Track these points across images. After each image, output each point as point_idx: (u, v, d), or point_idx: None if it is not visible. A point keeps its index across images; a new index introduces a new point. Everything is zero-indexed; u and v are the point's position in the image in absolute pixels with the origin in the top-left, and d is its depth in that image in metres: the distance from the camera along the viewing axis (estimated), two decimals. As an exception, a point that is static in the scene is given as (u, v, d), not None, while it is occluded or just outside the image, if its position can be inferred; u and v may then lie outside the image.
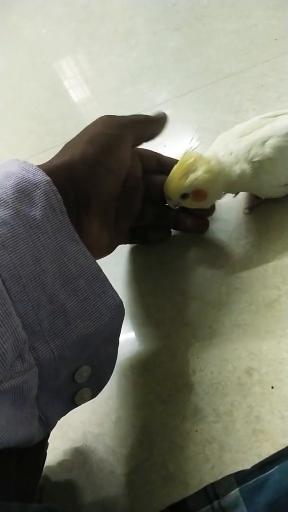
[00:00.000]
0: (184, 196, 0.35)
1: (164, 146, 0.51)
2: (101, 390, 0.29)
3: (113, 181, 0.31)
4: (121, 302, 0.27)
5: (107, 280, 0.27)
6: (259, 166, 0.34)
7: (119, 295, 0.27)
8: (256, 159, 0.34)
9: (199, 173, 0.34)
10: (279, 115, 0.36)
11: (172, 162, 0.37)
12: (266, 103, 0.49)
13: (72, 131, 0.61)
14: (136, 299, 0.39)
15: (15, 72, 0.82)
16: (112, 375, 0.35)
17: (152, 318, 0.38)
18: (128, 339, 0.37)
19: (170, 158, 0.39)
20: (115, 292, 0.27)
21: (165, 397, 0.33)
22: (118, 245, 0.37)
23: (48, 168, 0.27)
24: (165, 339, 0.36)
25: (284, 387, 0.30)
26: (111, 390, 0.35)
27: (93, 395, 0.29)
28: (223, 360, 0.33)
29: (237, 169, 0.35)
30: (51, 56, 0.81)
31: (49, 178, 0.26)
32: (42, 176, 0.26)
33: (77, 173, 0.29)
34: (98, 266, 0.27)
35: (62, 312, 0.25)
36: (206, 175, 0.34)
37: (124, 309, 0.28)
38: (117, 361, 0.36)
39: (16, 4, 1.01)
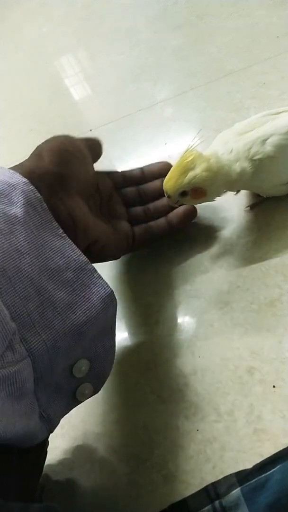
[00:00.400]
0: (183, 193, 0.35)
1: (165, 144, 0.51)
2: (102, 385, 0.29)
3: (83, 164, 0.33)
4: (112, 291, 0.27)
5: (96, 271, 0.27)
6: (260, 165, 0.34)
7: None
8: (257, 157, 0.34)
9: (198, 171, 0.34)
10: (280, 112, 0.36)
11: (134, 173, 0.40)
12: (268, 101, 0.49)
13: (72, 130, 0.61)
14: (137, 298, 0.39)
15: (16, 70, 0.82)
16: (114, 374, 0.35)
17: (153, 317, 0.37)
18: (130, 338, 0.37)
19: (132, 170, 0.41)
20: (105, 282, 0.27)
21: (166, 397, 0.33)
22: (129, 243, 0.37)
23: (21, 170, 0.28)
24: (166, 338, 0.36)
25: (286, 386, 0.30)
26: (112, 389, 0.35)
27: (95, 391, 0.29)
28: (224, 359, 0.33)
29: (237, 167, 0.35)
30: (52, 54, 0.81)
31: (25, 179, 0.27)
32: (19, 178, 0.27)
33: (49, 163, 0.30)
34: (85, 258, 0.27)
35: (51, 303, 0.25)
36: (205, 173, 0.34)
37: (115, 299, 0.28)
38: (118, 360, 0.36)
39: (17, 3, 1.01)
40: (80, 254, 0.27)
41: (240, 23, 0.60)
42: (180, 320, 0.36)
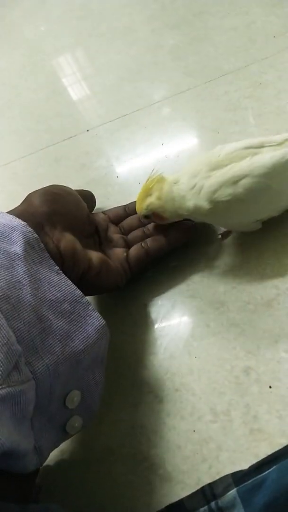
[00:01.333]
0: (146, 216, 0.37)
1: (162, 144, 0.51)
2: (91, 419, 0.30)
3: (71, 203, 0.35)
4: (105, 323, 0.29)
5: (90, 304, 0.29)
6: (226, 205, 0.33)
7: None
8: (222, 199, 0.32)
9: (152, 199, 0.36)
10: (265, 146, 0.34)
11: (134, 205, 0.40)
12: (265, 100, 0.49)
13: (70, 129, 0.61)
14: (133, 298, 0.39)
15: (13, 69, 0.81)
16: (111, 374, 0.35)
17: (149, 317, 0.37)
18: (126, 338, 0.37)
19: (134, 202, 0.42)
20: (99, 314, 0.29)
21: (162, 397, 0.33)
22: (124, 266, 0.37)
23: (14, 213, 0.31)
24: (162, 338, 0.36)
25: (282, 386, 0.30)
26: (109, 389, 0.35)
27: (84, 424, 0.29)
28: (220, 359, 0.33)
29: (191, 204, 0.34)
30: (49, 53, 0.80)
31: (24, 222, 0.29)
32: (18, 221, 0.29)
33: (37, 204, 0.32)
34: (80, 292, 0.29)
35: (52, 330, 0.26)
36: (156, 202, 0.35)
37: (108, 331, 0.30)
38: (115, 360, 0.36)
39: (15, 2, 1.00)
40: (75, 288, 0.29)
41: (237, 22, 0.60)
42: (176, 320, 0.36)
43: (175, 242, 0.38)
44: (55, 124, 0.64)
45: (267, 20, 0.58)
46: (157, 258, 0.38)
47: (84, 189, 0.42)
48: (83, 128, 0.60)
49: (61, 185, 0.36)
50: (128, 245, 0.39)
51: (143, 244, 0.38)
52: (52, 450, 0.28)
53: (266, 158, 0.33)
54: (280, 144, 0.34)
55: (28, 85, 0.76)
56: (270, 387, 0.31)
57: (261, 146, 0.34)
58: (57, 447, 0.29)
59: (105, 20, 0.79)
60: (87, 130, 0.59)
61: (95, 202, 0.43)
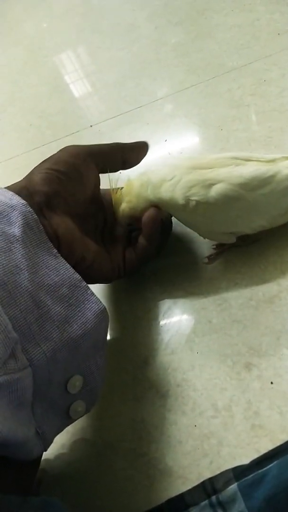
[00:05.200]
0: (130, 224, 0.36)
1: (165, 141, 0.51)
2: (94, 403, 0.30)
3: (75, 183, 0.32)
4: (105, 307, 0.28)
5: (89, 288, 0.28)
6: (195, 206, 0.33)
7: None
8: (194, 198, 0.32)
9: (124, 205, 0.35)
10: (252, 160, 0.33)
11: None
12: (268, 98, 0.49)
13: (72, 125, 0.61)
14: (136, 294, 0.39)
15: (16, 66, 0.81)
16: (112, 369, 0.35)
17: (151, 313, 0.37)
18: (128, 333, 0.37)
19: None
20: (98, 298, 0.28)
21: (164, 392, 0.33)
22: (120, 265, 0.36)
23: (16, 190, 0.30)
24: (164, 334, 0.36)
25: (283, 382, 0.30)
26: (110, 384, 0.35)
27: (87, 409, 0.29)
28: (222, 355, 0.33)
29: (166, 196, 0.33)
30: (52, 50, 0.80)
31: (24, 201, 0.28)
32: (18, 200, 0.28)
33: (37, 182, 0.31)
34: (78, 276, 0.28)
35: (49, 316, 0.26)
36: (127, 205, 0.35)
37: (108, 314, 0.29)
38: (116, 355, 0.36)
39: (17, -3, 1.00)
40: (74, 272, 0.28)
41: (241, 19, 0.60)
42: (178, 316, 0.36)
43: (149, 237, 0.36)
44: (58, 120, 0.64)
45: (271, 17, 0.58)
46: (145, 262, 0.37)
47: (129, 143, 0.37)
48: (86, 124, 0.60)
49: (72, 151, 0.33)
50: (131, 239, 0.38)
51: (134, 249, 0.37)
52: (56, 435, 0.28)
53: (248, 169, 0.32)
54: (269, 161, 0.33)
55: (30, 81, 0.76)
56: (271, 383, 0.31)
57: (248, 159, 0.33)
58: (61, 431, 0.29)
59: (107, 16, 0.79)
60: (90, 126, 0.59)
61: (138, 156, 0.38)
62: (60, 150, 0.33)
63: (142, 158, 0.38)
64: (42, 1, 0.95)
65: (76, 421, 0.29)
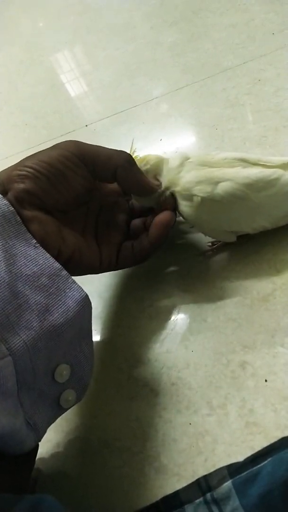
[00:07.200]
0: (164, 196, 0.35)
1: (160, 140, 0.51)
2: (84, 391, 0.30)
3: (60, 179, 0.31)
4: (87, 295, 0.28)
5: (70, 277, 0.28)
6: (200, 202, 0.33)
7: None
8: (199, 194, 0.33)
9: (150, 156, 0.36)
10: (260, 164, 0.34)
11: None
12: (263, 97, 0.49)
13: (68, 125, 0.61)
14: (130, 293, 0.39)
15: (11, 65, 0.81)
16: (106, 367, 0.35)
17: (146, 312, 0.37)
18: (123, 332, 0.37)
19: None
20: (79, 286, 0.28)
21: (159, 390, 0.33)
22: (110, 263, 0.35)
23: None
24: (159, 333, 0.36)
25: (278, 380, 0.30)
26: (105, 383, 0.35)
27: (78, 398, 0.29)
28: (217, 353, 0.33)
29: (182, 181, 0.34)
30: (48, 49, 0.80)
31: (0, 195, 0.28)
32: None
33: (12, 180, 0.30)
34: (59, 265, 0.28)
35: (29, 306, 0.26)
36: (155, 159, 0.36)
37: (90, 302, 0.29)
38: (111, 354, 0.36)
39: (13, -3, 1.00)
40: (54, 261, 0.28)
41: (236, 19, 0.60)
42: (173, 314, 0.36)
43: (156, 241, 0.35)
44: (53, 120, 0.64)
45: (266, 17, 0.58)
46: (141, 263, 0.37)
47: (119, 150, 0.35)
48: (81, 123, 0.60)
49: (63, 152, 0.32)
50: (128, 233, 0.37)
51: (133, 245, 0.36)
52: (49, 425, 0.28)
53: (254, 171, 0.33)
54: (276, 166, 0.34)
55: (26, 81, 0.76)
56: (266, 381, 0.31)
57: (256, 163, 0.34)
58: (54, 421, 0.28)
59: (103, 16, 0.79)
60: (86, 126, 0.59)
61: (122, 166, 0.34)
62: (53, 146, 0.33)
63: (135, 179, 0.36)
64: (38, 0, 0.95)
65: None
